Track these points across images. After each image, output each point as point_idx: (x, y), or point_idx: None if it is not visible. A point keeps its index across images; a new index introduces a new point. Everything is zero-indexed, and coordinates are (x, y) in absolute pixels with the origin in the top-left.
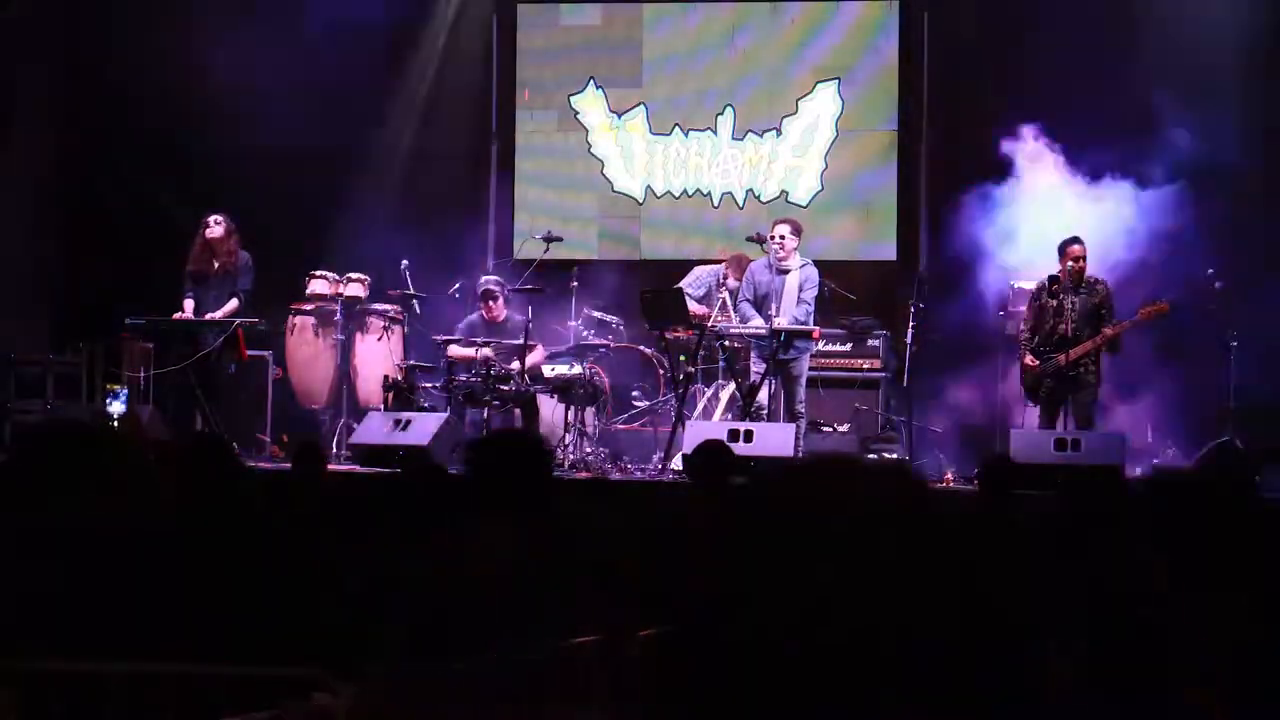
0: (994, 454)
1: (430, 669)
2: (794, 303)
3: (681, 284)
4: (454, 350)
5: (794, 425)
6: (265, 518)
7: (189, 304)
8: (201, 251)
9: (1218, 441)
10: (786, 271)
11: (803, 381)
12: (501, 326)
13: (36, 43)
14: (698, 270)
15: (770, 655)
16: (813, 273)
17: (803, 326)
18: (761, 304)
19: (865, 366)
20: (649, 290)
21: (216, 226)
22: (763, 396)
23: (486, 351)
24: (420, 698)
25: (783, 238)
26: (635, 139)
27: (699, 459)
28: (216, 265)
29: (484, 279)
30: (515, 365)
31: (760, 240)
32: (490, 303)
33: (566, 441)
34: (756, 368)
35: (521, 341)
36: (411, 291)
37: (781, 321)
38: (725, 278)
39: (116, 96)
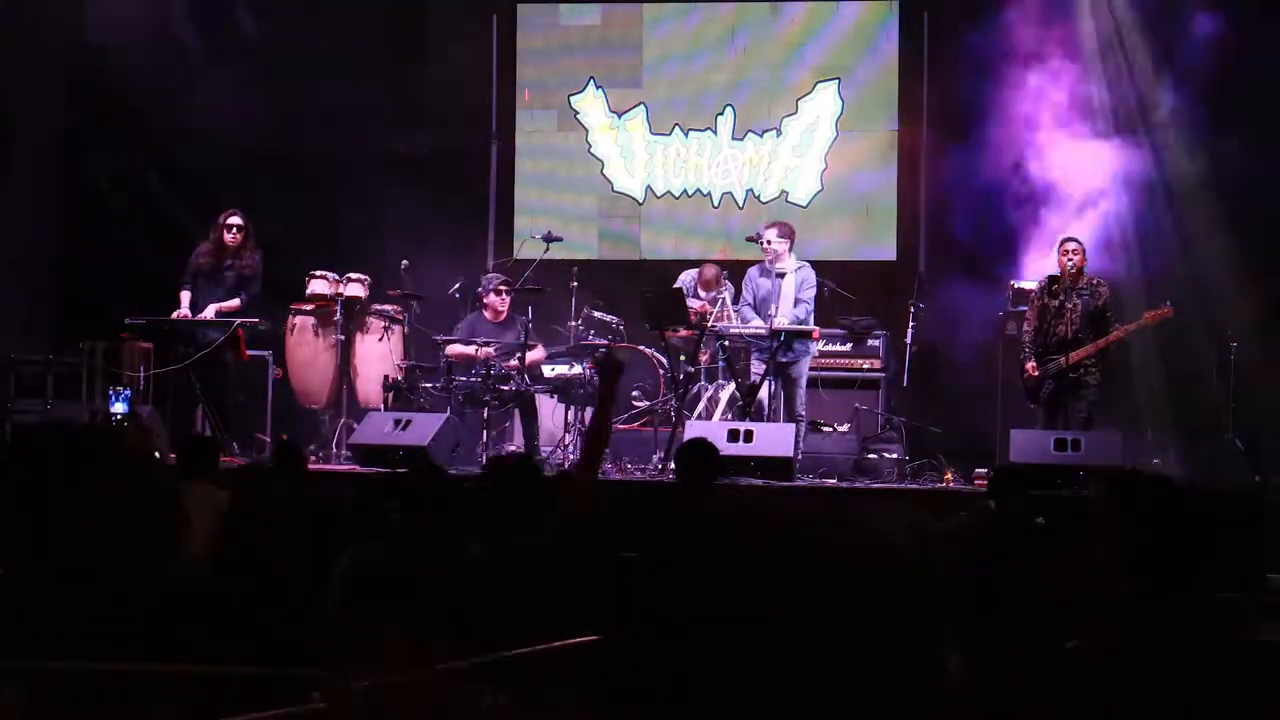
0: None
1: (423, 669)
2: (792, 304)
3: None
4: (454, 350)
5: (794, 425)
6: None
7: (185, 296)
8: (214, 249)
9: (1218, 441)
10: (783, 274)
11: (803, 382)
12: (502, 326)
13: (38, 41)
14: (683, 277)
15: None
16: (809, 274)
17: (802, 327)
18: (761, 307)
19: (865, 366)
20: (649, 290)
21: (237, 233)
22: (763, 396)
23: (487, 350)
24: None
25: (769, 242)
26: (635, 139)
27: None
28: (228, 264)
29: (487, 277)
30: (515, 364)
31: (759, 240)
32: (493, 299)
33: (566, 441)
34: (756, 368)
35: (521, 341)
36: (411, 291)
37: (781, 322)
38: (695, 286)
39: (117, 95)
